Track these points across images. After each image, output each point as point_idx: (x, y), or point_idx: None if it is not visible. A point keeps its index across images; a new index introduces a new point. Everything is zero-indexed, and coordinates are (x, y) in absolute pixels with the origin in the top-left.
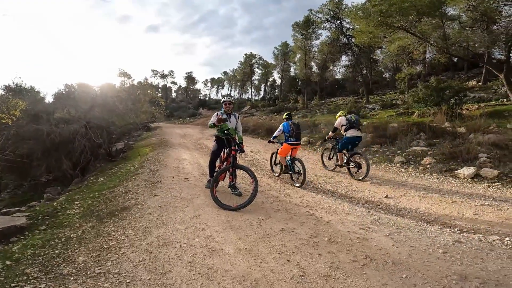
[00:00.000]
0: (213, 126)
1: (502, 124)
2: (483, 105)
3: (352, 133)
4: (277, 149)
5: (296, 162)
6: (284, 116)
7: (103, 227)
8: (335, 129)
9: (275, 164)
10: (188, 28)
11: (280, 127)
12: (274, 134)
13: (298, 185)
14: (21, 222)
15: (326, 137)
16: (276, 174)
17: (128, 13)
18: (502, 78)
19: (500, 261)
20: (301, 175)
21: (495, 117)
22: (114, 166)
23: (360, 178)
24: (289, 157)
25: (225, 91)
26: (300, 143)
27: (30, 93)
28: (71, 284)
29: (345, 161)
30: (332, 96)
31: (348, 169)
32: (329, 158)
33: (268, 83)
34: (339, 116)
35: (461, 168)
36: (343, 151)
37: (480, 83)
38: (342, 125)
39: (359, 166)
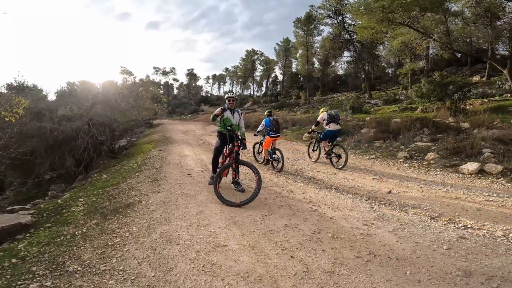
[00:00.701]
0: (215, 118)
1: (506, 119)
2: (487, 100)
3: (332, 126)
4: (260, 141)
5: (276, 152)
6: (265, 113)
7: (107, 224)
8: (317, 123)
9: (258, 153)
10: (188, 25)
11: (263, 122)
12: (258, 129)
13: (277, 170)
14: (26, 220)
15: (310, 130)
16: (260, 161)
17: (127, 10)
18: (506, 74)
19: (505, 258)
20: (280, 162)
21: (499, 112)
22: (117, 163)
23: (340, 167)
24: (271, 148)
25: (227, 87)
26: (279, 135)
27: (33, 91)
28: (77, 281)
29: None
30: (334, 91)
31: (330, 159)
32: (313, 150)
33: (270, 79)
34: (322, 111)
35: (465, 163)
36: (326, 141)
37: (483, 79)
38: (324, 120)
39: (339, 157)
